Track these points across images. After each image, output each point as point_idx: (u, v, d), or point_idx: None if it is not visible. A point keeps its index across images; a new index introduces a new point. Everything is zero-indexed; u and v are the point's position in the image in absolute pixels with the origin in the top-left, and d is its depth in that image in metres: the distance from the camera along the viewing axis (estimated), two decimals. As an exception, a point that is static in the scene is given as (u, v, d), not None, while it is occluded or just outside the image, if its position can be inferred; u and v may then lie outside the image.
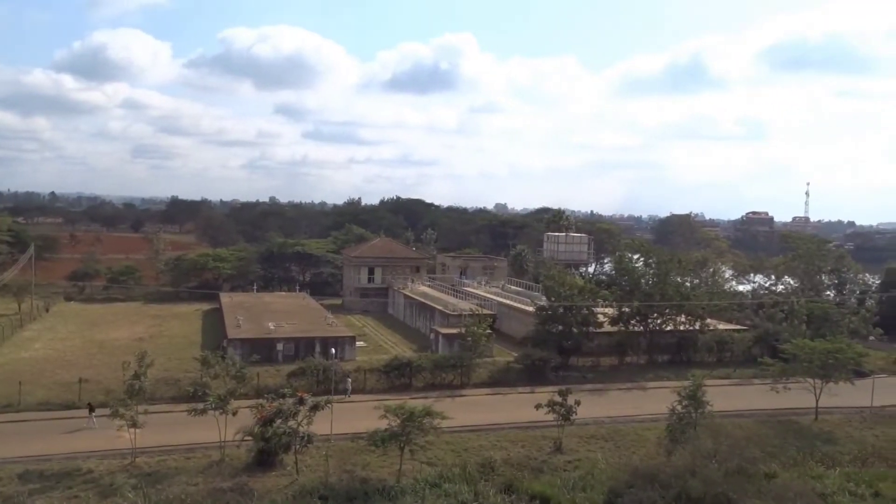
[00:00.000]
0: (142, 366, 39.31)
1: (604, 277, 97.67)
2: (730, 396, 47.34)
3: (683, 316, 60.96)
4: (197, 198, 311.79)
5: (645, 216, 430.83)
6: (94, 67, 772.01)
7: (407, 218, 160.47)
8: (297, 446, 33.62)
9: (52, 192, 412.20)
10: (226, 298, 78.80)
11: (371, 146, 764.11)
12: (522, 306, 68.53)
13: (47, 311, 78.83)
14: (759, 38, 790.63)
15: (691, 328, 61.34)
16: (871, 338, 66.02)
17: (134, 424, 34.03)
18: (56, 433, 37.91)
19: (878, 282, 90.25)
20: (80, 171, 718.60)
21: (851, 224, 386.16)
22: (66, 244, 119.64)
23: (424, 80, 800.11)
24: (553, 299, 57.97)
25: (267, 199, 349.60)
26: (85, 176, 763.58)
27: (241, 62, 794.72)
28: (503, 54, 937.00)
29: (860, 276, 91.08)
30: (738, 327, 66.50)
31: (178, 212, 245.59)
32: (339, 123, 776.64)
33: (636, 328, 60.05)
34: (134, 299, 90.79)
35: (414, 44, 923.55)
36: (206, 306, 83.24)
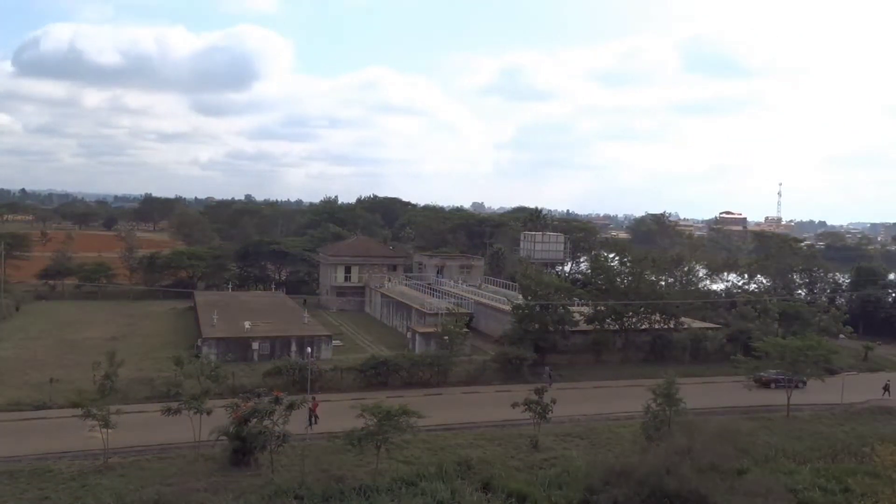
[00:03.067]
0: (112, 365, 38.94)
1: (580, 276, 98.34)
2: (703, 394, 47.90)
3: (658, 315, 61.51)
4: (171, 195, 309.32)
5: (620, 215, 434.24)
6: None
7: (384, 217, 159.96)
8: (273, 446, 33.40)
9: (23, 189, 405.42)
10: (200, 297, 78.05)
11: (312, 142, 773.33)
12: (499, 305, 68.72)
13: (17, 309, 77.49)
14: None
15: (666, 327, 61.98)
16: (842, 336, 67.15)
17: (106, 425, 33.57)
18: (27, 434, 37.31)
19: (848, 281, 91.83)
20: (50, 168, 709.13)
21: (823, 224, 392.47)
22: (36, 242, 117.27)
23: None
24: (529, 298, 58.20)
25: (242, 197, 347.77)
26: (56, 173, 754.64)
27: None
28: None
29: (830, 275, 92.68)
30: (712, 326, 67.28)
31: (152, 209, 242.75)
32: (288, 121, 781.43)
33: (612, 327, 60.52)
34: (107, 298, 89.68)
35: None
36: (180, 305, 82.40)
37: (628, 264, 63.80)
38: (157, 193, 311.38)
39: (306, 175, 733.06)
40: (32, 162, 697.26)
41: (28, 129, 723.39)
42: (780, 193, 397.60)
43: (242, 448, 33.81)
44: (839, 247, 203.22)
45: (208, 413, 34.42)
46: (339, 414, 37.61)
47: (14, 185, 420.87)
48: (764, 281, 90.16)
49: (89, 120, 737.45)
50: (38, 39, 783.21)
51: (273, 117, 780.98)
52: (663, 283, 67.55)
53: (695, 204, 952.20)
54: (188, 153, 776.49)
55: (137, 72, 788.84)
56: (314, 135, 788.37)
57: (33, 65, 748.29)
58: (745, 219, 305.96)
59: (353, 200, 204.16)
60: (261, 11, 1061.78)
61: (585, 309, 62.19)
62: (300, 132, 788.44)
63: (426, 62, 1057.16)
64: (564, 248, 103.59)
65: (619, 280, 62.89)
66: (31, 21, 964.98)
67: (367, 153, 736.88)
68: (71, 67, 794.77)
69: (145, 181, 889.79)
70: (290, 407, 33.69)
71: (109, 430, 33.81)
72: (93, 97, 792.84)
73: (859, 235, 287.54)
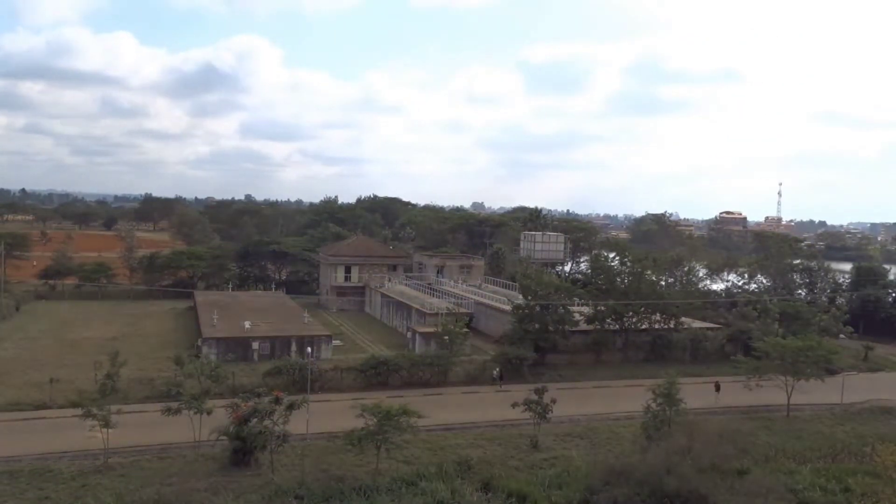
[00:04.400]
0: (114, 365, 38.90)
1: (580, 276, 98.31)
2: (703, 394, 47.87)
3: (658, 315, 61.48)
4: (171, 195, 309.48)
5: (620, 215, 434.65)
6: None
7: (384, 217, 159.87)
8: (273, 446, 33.41)
9: (23, 189, 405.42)
10: (201, 297, 78.06)
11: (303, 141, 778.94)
12: (499, 305, 68.69)
13: (17, 309, 77.47)
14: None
15: (666, 327, 61.95)
16: (842, 336, 67.08)
17: (107, 424, 33.57)
18: (27, 434, 37.31)
19: (848, 280, 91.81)
20: (50, 168, 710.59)
21: (823, 224, 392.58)
22: (37, 242, 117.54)
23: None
24: (529, 298, 58.17)
25: (242, 197, 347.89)
26: (56, 173, 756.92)
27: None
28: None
29: (830, 274, 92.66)
30: (712, 325, 67.28)
31: (152, 209, 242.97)
32: (288, 122, 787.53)
33: (612, 327, 60.47)
34: (107, 298, 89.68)
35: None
36: (180, 305, 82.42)
37: (628, 264, 63.67)
38: (157, 193, 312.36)
39: (307, 175, 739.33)
40: (32, 162, 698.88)
41: (28, 130, 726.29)
42: (780, 193, 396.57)
43: (242, 448, 33.82)
44: (839, 247, 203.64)
45: (208, 413, 34.41)
46: (339, 414, 37.60)
47: (14, 185, 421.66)
48: (764, 281, 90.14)
49: (89, 120, 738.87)
50: (33, 42, 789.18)
51: (271, 118, 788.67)
52: (663, 283, 67.47)
53: (695, 204, 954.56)
54: (188, 153, 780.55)
55: (136, 74, 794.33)
56: (313, 135, 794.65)
57: (30, 66, 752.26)
58: (745, 219, 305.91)
59: (353, 200, 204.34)
60: (255, 17, 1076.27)
61: (585, 309, 62.14)
62: (301, 133, 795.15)
63: (420, 63, 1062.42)
64: (564, 248, 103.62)
65: (619, 280, 62.84)
66: (28, 25, 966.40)
67: (365, 154, 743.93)
68: (69, 70, 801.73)
69: (145, 181, 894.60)
70: (290, 407, 33.70)
71: (110, 430, 33.82)
72: (93, 99, 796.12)
73: (859, 235, 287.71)
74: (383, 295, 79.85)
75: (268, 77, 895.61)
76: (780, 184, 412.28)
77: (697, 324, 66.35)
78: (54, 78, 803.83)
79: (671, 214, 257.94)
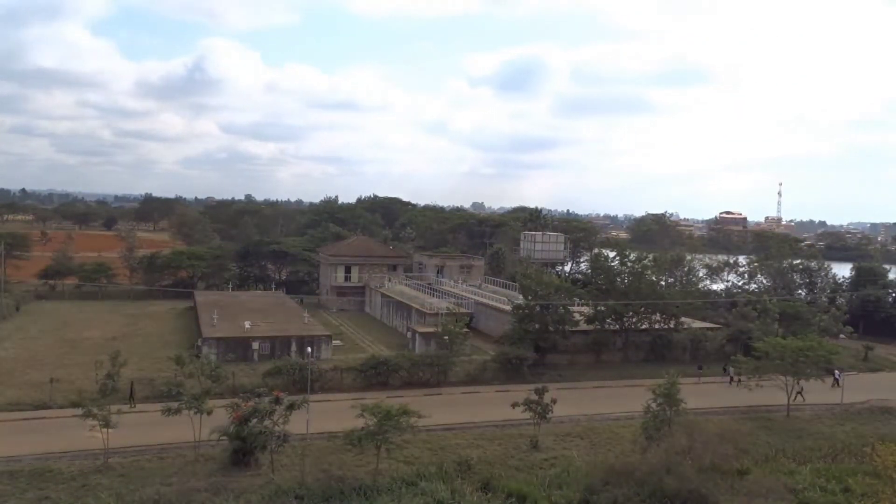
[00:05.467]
0: (115, 365, 38.97)
1: (580, 276, 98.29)
2: (703, 394, 47.89)
3: (658, 315, 61.48)
4: (171, 195, 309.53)
5: (620, 215, 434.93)
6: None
7: (384, 216, 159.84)
8: (273, 446, 33.41)
9: (23, 189, 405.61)
10: (201, 297, 78.00)
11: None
12: (499, 305, 68.70)
13: (18, 309, 77.46)
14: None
15: (666, 327, 61.95)
16: (842, 336, 67.09)
17: (107, 424, 33.56)
18: (27, 434, 37.30)
19: (848, 280, 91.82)
20: (49, 168, 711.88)
21: (823, 224, 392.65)
22: (37, 242, 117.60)
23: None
24: (530, 298, 58.17)
25: (242, 197, 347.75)
26: (56, 173, 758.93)
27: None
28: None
29: (830, 274, 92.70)
30: (712, 326, 67.29)
31: (152, 209, 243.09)
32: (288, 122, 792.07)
33: (612, 327, 60.47)
34: (107, 298, 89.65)
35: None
36: (180, 305, 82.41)
37: (629, 263, 63.59)
38: (157, 193, 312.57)
39: (307, 175, 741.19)
40: (31, 162, 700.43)
41: (25, 130, 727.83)
42: (780, 193, 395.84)
43: (243, 448, 33.83)
44: (839, 247, 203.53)
45: (208, 413, 34.40)
46: (339, 414, 37.59)
47: (14, 185, 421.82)
48: (764, 281, 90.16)
49: (88, 121, 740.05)
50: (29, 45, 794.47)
51: (272, 119, 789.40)
52: (663, 283, 67.43)
53: (695, 204, 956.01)
54: (187, 154, 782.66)
55: (134, 75, 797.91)
56: (313, 136, 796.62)
57: (27, 67, 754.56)
58: (745, 219, 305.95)
59: (353, 200, 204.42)
60: (246, 25, 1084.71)
61: (585, 309, 62.14)
62: (302, 133, 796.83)
63: (416, 63, 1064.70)
64: (564, 248, 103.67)
65: (619, 280, 62.82)
66: (26, 28, 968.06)
67: (364, 154, 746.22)
68: (64, 72, 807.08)
69: (145, 181, 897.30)
70: (291, 407, 33.70)
71: (110, 430, 33.81)
72: (91, 100, 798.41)
73: (859, 235, 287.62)
74: (383, 295, 79.83)
75: (267, 80, 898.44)
76: (781, 184, 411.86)
77: (697, 324, 66.38)
78: (48, 79, 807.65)
79: (671, 214, 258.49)
